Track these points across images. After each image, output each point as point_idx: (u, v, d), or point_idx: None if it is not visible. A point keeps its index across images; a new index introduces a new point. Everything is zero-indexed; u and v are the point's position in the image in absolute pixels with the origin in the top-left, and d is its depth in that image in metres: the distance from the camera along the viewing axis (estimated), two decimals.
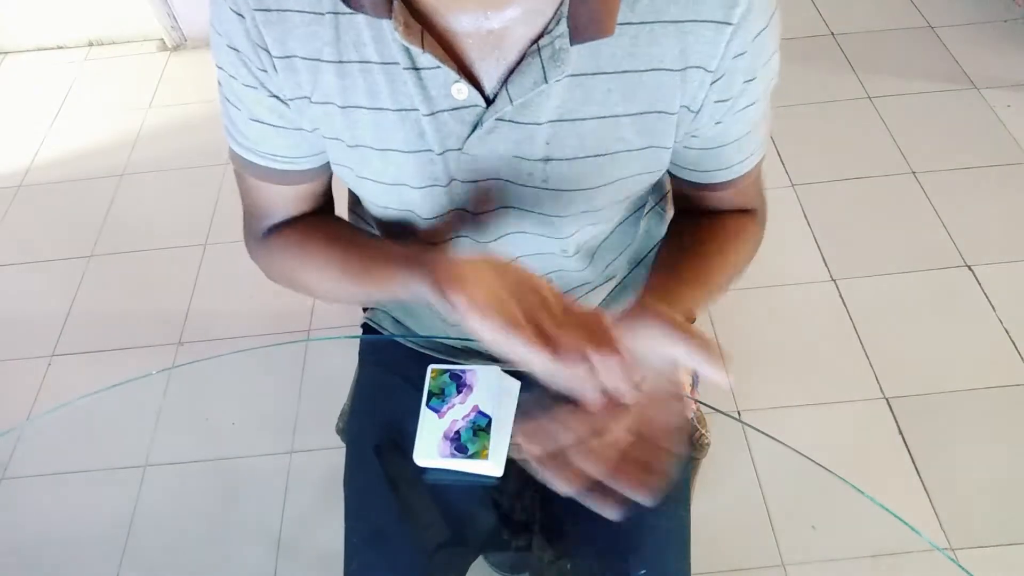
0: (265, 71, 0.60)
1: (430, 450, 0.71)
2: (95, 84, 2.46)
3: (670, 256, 0.74)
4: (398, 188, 0.66)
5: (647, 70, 0.58)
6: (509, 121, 0.60)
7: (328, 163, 0.70)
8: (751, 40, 0.57)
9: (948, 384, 1.53)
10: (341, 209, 0.84)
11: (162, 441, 1.57)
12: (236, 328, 1.75)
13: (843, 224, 1.83)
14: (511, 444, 0.74)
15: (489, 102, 0.59)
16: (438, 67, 0.57)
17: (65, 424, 1.40)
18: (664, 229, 0.85)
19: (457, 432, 0.72)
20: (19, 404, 1.67)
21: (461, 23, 0.56)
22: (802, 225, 1.84)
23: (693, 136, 0.64)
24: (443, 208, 0.67)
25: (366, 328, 0.96)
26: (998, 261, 1.72)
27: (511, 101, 0.58)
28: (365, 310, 0.97)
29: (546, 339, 0.51)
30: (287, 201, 0.73)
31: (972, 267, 1.71)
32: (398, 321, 0.92)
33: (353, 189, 0.71)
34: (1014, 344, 1.58)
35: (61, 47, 2.59)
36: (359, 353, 0.96)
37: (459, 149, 0.62)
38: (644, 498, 0.52)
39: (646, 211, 0.83)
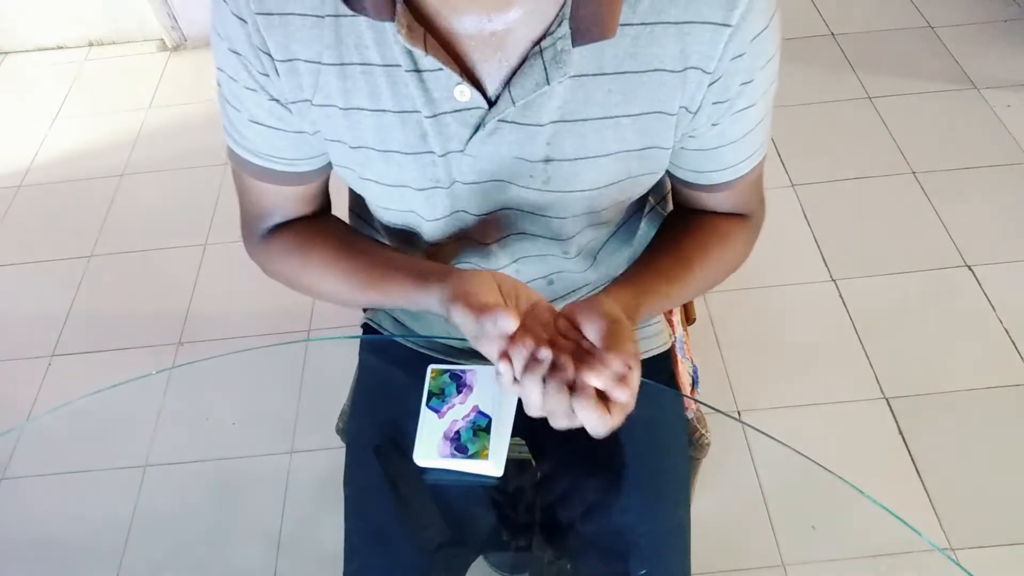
0: (267, 75, 0.61)
1: (430, 450, 0.71)
2: (95, 84, 2.46)
3: (652, 249, 0.75)
4: (400, 190, 0.66)
5: (647, 71, 0.58)
6: (511, 122, 0.60)
7: (325, 165, 0.70)
8: (749, 42, 0.57)
9: (948, 384, 1.53)
10: (341, 211, 0.84)
11: (162, 441, 1.57)
12: (236, 328, 1.75)
13: (843, 224, 1.83)
14: (511, 444, 0.74)
15: (491, 104, 0.59)
16: (440, 69, 0.57)
17: (65, 424, 1.40)
18: None
19: (457, 432, 0.72)
20: (19, 404, 1.67)
21: (464, 25, 0.56)
22: (802, 225, 1.84)
23: (691, 137, 0.64)
24: (445, 210, 0.67)
25: (366, 328, 0.96)
26: (998, 261, 1.72)
27: (513, 102, 0.58)
28: (365, 310, 0.97)
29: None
30: (286, 201, 0.73)
31: (972, 267, 1.71)
32: (398, 321, 0.92)
33: (356, 190, 0.71)
34: (1014, 344, 1.58)
35: (61, 47, 2.59)
36: (359, 353, 0.97)
37: (461, 151, 0.62)
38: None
39: (645, 212, 0.83)
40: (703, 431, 0.98)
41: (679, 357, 0.94)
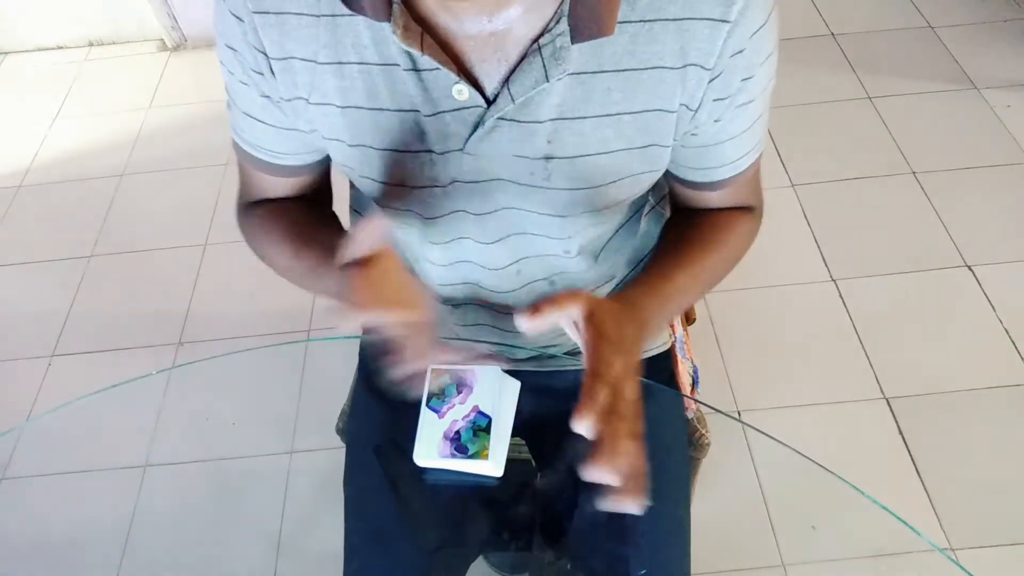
0: (261, 74, 0.62)
1: (430, 450, 0.71)
2: (95, 84, 2.46)
3: (657, 252, 0.75)
4: (398, 188, 0.66)
5: (647, 68, 0.58)
6: (510, 120, 0.60)
7: (320, 161, 0.72)
8: (748, 38, 0.57)
9: (948, 384, 1.53)
10: (342, 208, 0.84)
11: (162, 441, 1.57)
12: (236, 328, 1.75)
13: (843, 224, 1.83)
14: (511, 444, 0.74)
15: (490, 102, 0.59)
16: (438, 68, 0.57)
17: (65, 424, 1.40)
18: None
19: (457, 432, 0.72)
20: (19, 404, 1.67)
21: (462, 25, 0.56)
22: (802, 225, 1.84)
23: (692, 134, 0.64)
24: (444, 209, 0.68)
25: (366, 328, 0.96)
26: (998, 261, 1.72)
27: (512, 100, 0.58)
28: None
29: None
30: (277, 189, 0.75)
31: (972, 267, 1.71)
32: None
33: (358, 187, 0.72)
34: (1014, 344, 1.58)
35: (61, 47, 2.59)
36: (359, 353, 0.97)
37: (461, 149, 0.62)
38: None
39: (646, 211, 0.83)
40: (703, 431, 0.98)
41: (679, 357, 0.94)
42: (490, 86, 0.59)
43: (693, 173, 0.70)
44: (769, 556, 1.33)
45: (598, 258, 0.79)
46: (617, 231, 0.79)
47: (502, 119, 0.60)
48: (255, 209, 0.77)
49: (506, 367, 0.77)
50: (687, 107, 0.61)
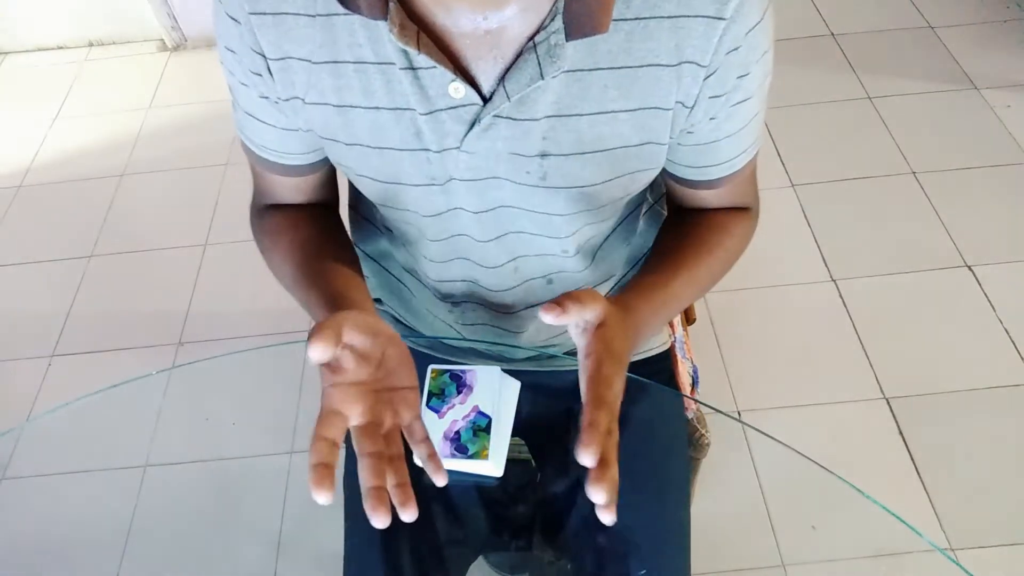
0: (259, 75, 0.62)
1: None
2: (95, 84, 2.46)
3: (654, 253, 0.75)
4: (395, 187, 0.66)
5: (642, 66, 0.58)
6: (506, 118, 0.60)
7: (317, 162, 0.73)
8: (744, 35, 0.57)
9: (948, 384, 1.53)
10: (342, 208, 0.84)
11: (162, 441, 1.57)
12: (236, 328, 1.75)
13: (843, 224, 1.83)
14: (511, 444, 0.74)
15: (486, 100, 0.59)
16: (435, 67, 0.57)
17: (65, 424, 1.39)
18: None
19: (457, 432, 0.72)
20: (19, 404, 1.67)
21: (458, 24, 0.56)
22: (802, 225, 1.84)
23: (689, 132, 0.64)
24: (442, 207, 0.68)
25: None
26: (998, 261, 1.72)
27: (508, 97, 0.58)
28: None
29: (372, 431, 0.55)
30: (283, 188, 0.76)
31: (972, 267, 1.71)
32: (399, 321, 0.92)
33: (356, 186, 0.72)
34: (1014, 344, 1.58)
35: (61, 47, 2.59)
36: None
37: (458, 147, 0.62)
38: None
39: (644, 211, 0.83)
40: (703, 431, 0.98)
41: (679, 357, 0.95)
42: (486, 84, 0.59)
43: (690, 171, 0.70)
44: (769, 556, 1.33)
45: (595, 257, 0.79)
46: (614, 229, 0.79)
47: (498, 117, 0.60)
48: (267, 217, 0.78)
49: (507, 367, 0.77)
50: (683, 104, 0.61)
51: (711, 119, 0.63)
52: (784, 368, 1.59)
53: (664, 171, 0.72)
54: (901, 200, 1.86)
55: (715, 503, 1.27)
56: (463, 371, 0.75)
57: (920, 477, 1.41)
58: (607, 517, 0.51)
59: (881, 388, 1.54)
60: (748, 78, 0.61)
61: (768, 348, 1.62)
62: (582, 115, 0.60)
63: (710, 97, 0.61)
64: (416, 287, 0.85)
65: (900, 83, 2.13)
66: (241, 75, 0.64)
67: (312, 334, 0.51)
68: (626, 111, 0.60)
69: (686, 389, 0.94)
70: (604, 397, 0.53)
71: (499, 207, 0.67)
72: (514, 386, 0.77)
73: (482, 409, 0.73)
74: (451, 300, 0.81)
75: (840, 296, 1.69)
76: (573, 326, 0.58)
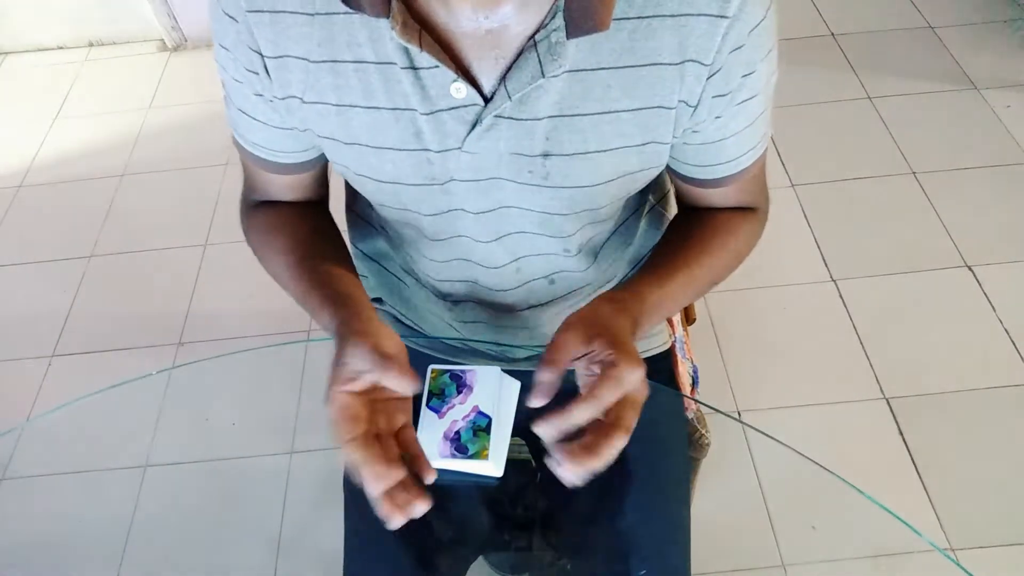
0: (255, 73, 0.62)
1: (430, 450, 0.71)
2: (95, 84, 2.46)
3: (657, 249, 0.75)
4: (394, 186, 0.66)
5: (645, 65, 0.58)
6: (508, 118, 0.60)
7: (311, 161, 0.73)
8: (747, 33, 0.57)
9: (948, 384, 1.53)
10: (337, 207, 0.84)
11: (162, 441, 1.57)
12: (236, 328, 1.75)
13: (843, 224, 1.83)
14: (511, 444, 0.74)
15: (487, 100, 0.59)
16: (436, 67, 0.57)
17: (65, 424, 1.39)
18: (664, 229, 0.85)
19: (457, 432, 0.72)
20: (19, 404, 1.67)
21: (459, 23, 0.56)
22: (802, 225, 1.84)
23: (694, 131, 0.64)
24: (442, 207, 0.68)
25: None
26: (998, 261, 1.72)
27: (509, 97, 0.58)
28: None
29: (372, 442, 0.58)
30: (274, 185, 0.76)
31: (972, 267, 1.71)
32: (399, 321, 0.92)
33: (353, 186, 0.72)
34: (1014, 344, 1.58)
35: (61, 47, 2.59)
36: None
37: (459, 148, 0.62)
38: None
39: (646, 211, 0.83)
40: (703, 431, 0.98)
41: (679, 357, 0.94)
42: (487, 84, 0.59)
43: (696, 170, 0.70)
44: (769, 556, 1.33)
45: (597, 257, 0.79)
46: (616, 230, 0.78)
47: (499, 117, 0.60)
48: (258, 213, 0.78)
49: (507, 367, 0.77)
50: (686, 103, 0.61)
51: (716, 118, 0.63)
52: (784, 368, 1.59)
53: (671, 170, 0.72)
54: (901, 200, 1.86)
55: (715, 503, 1.27)
56: (463, 371, 0.75)
57: (920, 477, 1.41)
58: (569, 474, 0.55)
59: (881, 388, 1.54)
60: (752, 77, 0.61)
61: (768, 348, 1.62)
62: (584, 115, 0.60)
63: (714, 96, 0.61)
64: (415, 286, 0.85)
65: (900, 83, 2.13)
66: (235, 72, 0.64)
67: (396, 372, 0.56)
68: (629, 110, 0.60)
69: (686, 389, 0.94)
70: (559, 361, 0.59)
71: (500, 207, 0.67)
72: (514, 386, 0.77)
73: (482, 409, 0.73)
74: (450, 299, 0.81)
75: (840, 296, 1.69)
76: (579, 363, 0.61)
